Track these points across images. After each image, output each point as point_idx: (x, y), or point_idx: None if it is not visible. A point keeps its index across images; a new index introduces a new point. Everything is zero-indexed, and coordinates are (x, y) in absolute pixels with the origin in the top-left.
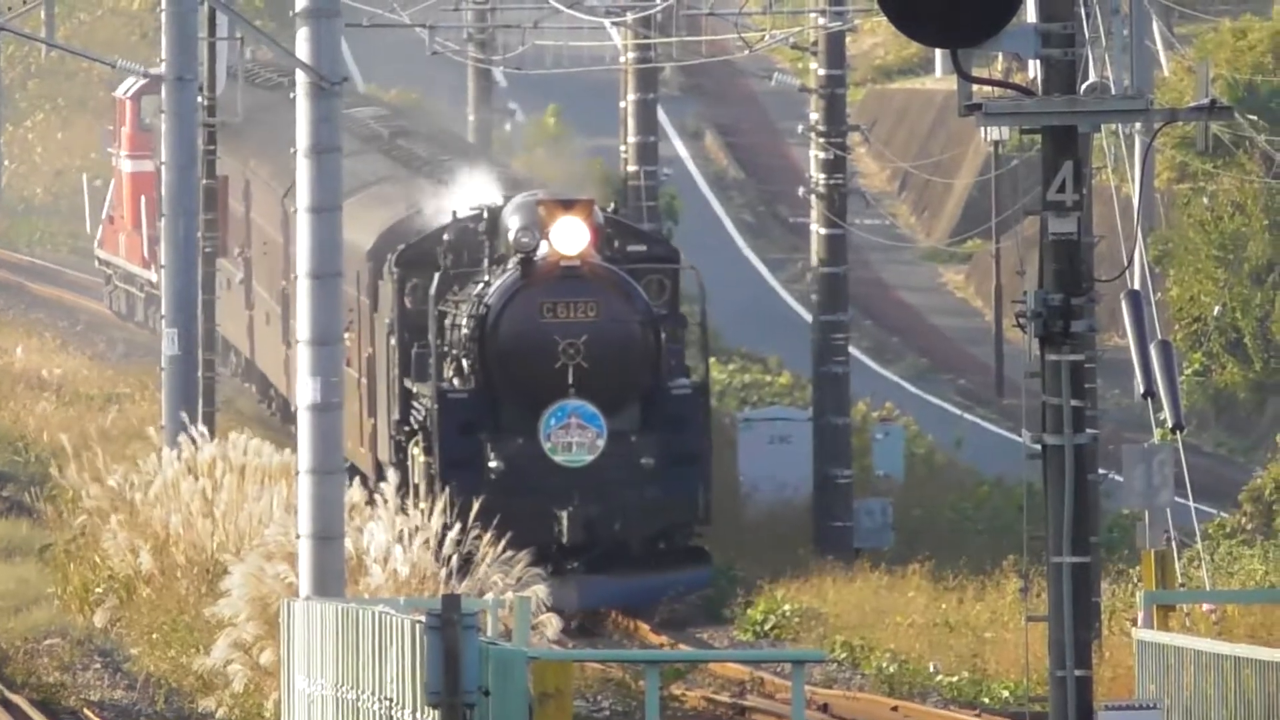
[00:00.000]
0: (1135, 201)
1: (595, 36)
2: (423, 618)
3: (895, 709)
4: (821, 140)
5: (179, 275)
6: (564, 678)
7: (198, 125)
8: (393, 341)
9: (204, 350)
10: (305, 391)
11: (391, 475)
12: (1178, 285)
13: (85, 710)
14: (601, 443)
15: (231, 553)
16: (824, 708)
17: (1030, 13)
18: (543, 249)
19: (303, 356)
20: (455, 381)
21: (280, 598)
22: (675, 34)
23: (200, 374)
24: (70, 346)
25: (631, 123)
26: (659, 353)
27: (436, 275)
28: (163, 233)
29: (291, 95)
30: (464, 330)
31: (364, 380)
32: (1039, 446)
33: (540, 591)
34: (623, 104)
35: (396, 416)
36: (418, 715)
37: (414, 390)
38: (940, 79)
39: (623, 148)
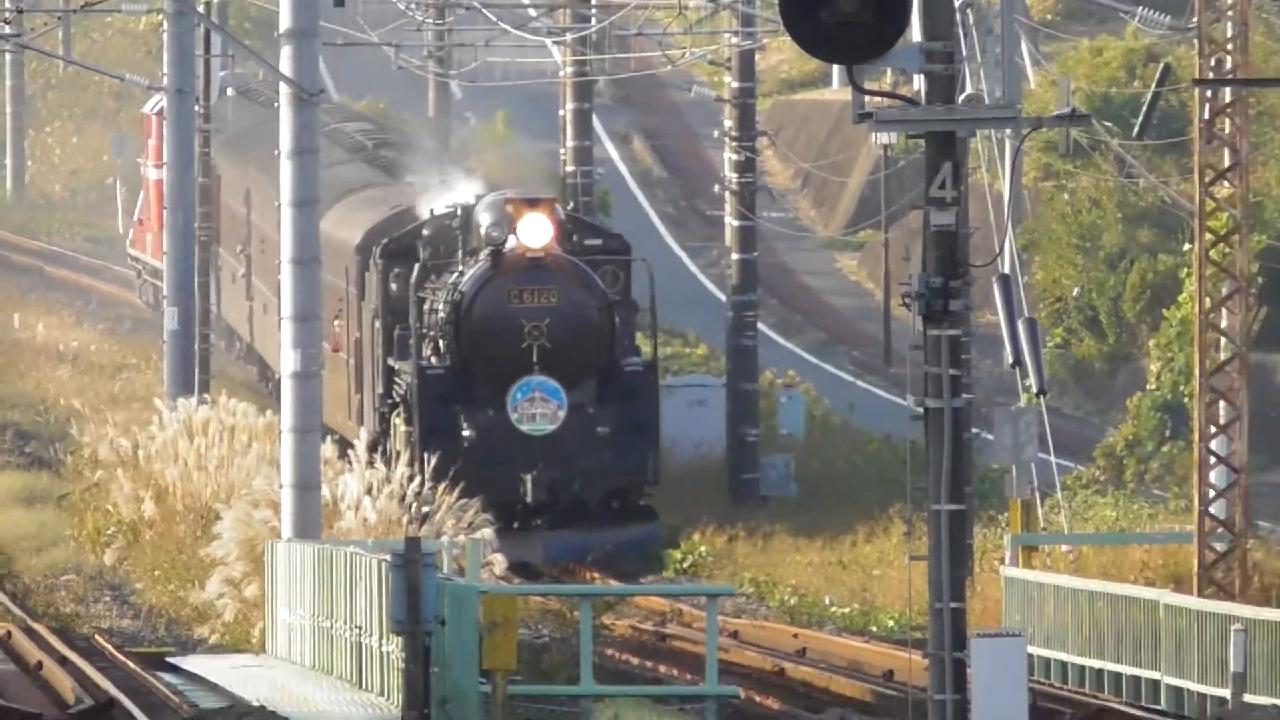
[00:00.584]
0: (1006, 197)
1: (539, 54)
2: (388, 557)
3: (796, 635)
4: (734, 144)
5: (179, 261)
6: (510, 609)
7: (195, 131)
8: (377, 325)
9: (200, 325)
10: (288, 361)
11: (363, 434)
12: (1042, 270)
13: (97, 637)
14: (562, 414)
15: (223, 501)
16: (734, 634)
17: (915, 33)
18: (511, 242)
19: (286, 331)
20: (433, 359)
21: (265, 540)
22: (608, 51)
23: (196, 346)
24: (84, 323)
25: (570, 129)
26: (613, 334)
27: (416, 265)
28: (165, 224)
29: (276, 105)
30: (441, 314)
31: (352, 361)
32: (921, 409)
33: (489, 534)
34: (562, 112)
35: (380, 391)
36: (384, 641)
37: (396, 368)
38: (837, 91)
39: (562, 151)
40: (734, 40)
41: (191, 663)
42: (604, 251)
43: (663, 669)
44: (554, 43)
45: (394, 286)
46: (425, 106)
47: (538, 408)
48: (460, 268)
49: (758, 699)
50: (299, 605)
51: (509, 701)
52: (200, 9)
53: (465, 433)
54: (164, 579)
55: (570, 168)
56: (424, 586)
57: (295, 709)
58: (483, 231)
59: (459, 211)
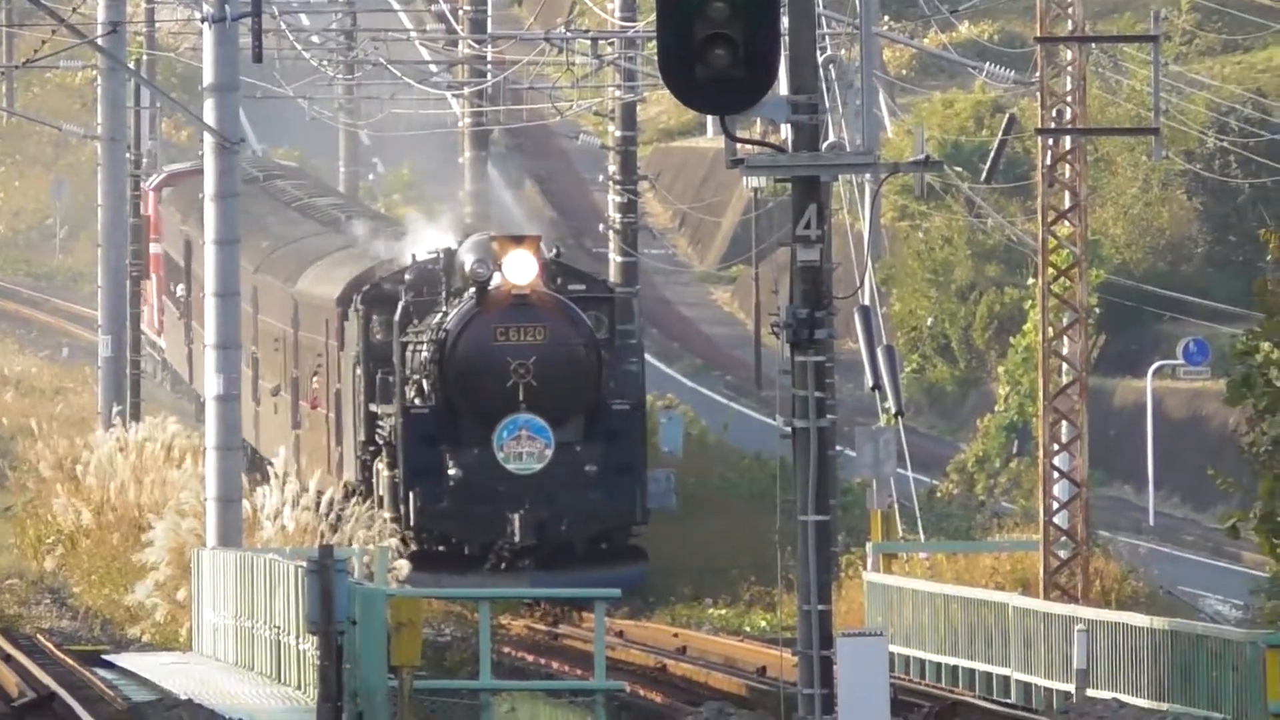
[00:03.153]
0: (865, 235)
1: (439, 106)
2: (304, 563)
3: (676, 635)
4: (617, 187)
5: (111, 294)
6: (415, 611)
7: (126, 175)
8: (358, 371)
9: (131, 352)
10: (211, 385)
11: (283, 450)
12: (899, 301)
13: (38, 636)
14: (549, 452)
15: (154, 512)
16: (620, 634)
17: (783, 87)
18: (495, 280)
19: (209, 358)
20: (416, 401)
21: (192, 548)
22: (502, 104)
23: (128, 372)
24: (26, 350)
25: (468, 174)
26: (600, 372)
27: (400, 304)
28: (99, 260)
29: (200, 153)
30: (424, 354)
31: (331, 414)
32: (790, 429)
33: (394, 543)
34: (461, 159)
35: (362, 437)
36: (300, 640)
37: (378, 412)
38: (711, 139)
39: (461, 194)
40: (617, 93)
41: (125, 660)
42: (587, 296)
43: (555, 665)
44: (453, 96)
45: (376, 333)
46: (336, 154)
47: (524, 446)
48: (444, 308)
49: (642, 693)
50: (223, 607)
51: (414, 695)
52: (130, 65)
53: (451, 472)
54: (99, 583)
55: (469, 209)
56: (336, 590)
57: (220, 701)
58: (468, 268)
59: (441, 255)
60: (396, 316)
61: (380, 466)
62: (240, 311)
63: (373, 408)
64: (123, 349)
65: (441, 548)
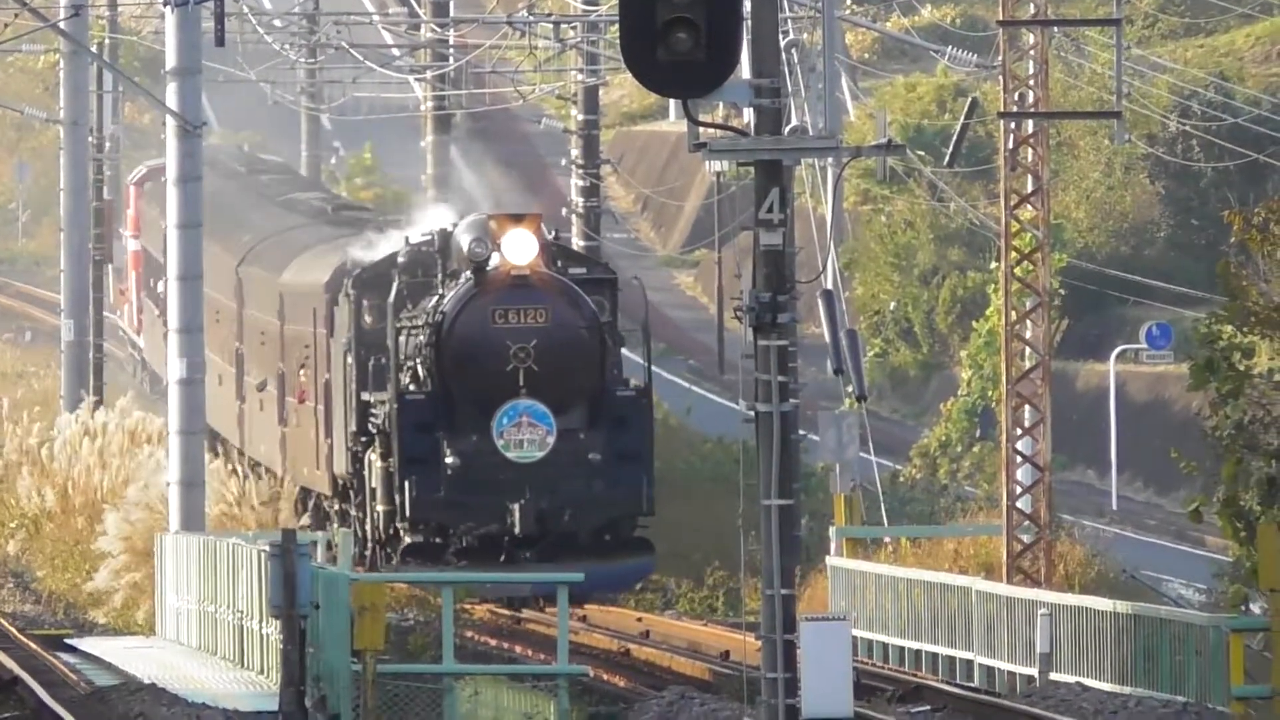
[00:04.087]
0: (828, 219)
1: (402, 89)
2: (267, 548)
3: (640, 619)
4: (580, 171)
5: (75, 278)
6: (378, 595)
7: (89, 159)
8: (350, 359)
9: (94, 336)
10: (175, 369)
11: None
12: (862, 285)
13: (1, 620)
14: (551, 440)
15: (117, 496)
16: (583, 618)
17: (745, 70)
18: (494, 260)
19: (172, 342)
20: (411, 388)
21: (147, 534)
22: (465, 87)
23: (91, 356)
24: None
25: (430, 158)
26: (604, 356)
27: (394, 288)
28: (62, 245)
29: (163, 136)
30: (420, 338)
31: (320, 406)
32: (753, 413)
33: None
34: (423, 143)
35: (354, 428)
36: (263, 624)
37: (371, 400)
38: (674, 123)
39: (423, 178)
40: (579, 77)
41: (88, 644)
42: (589, 279)
43: (518, 650)
44: (415, 79)
45: (368, 318)
46: (299, 138)
47: (525, 434)
48: (440, 291)
49: (605, 677)
50: (186, 591)
51: (378, 679)
52: (93, 49)
53: (448, 460)
54: (62, 567)
55: (431, 194)
56: (299, 574)
57: (183, 686)
58: (465, 248)
59: (436, 237)
60: (390, 300)
61: (373, 457)
62: (202, 295)
63: (365, 396)
64: (85, 333)
65: (438, 539)
